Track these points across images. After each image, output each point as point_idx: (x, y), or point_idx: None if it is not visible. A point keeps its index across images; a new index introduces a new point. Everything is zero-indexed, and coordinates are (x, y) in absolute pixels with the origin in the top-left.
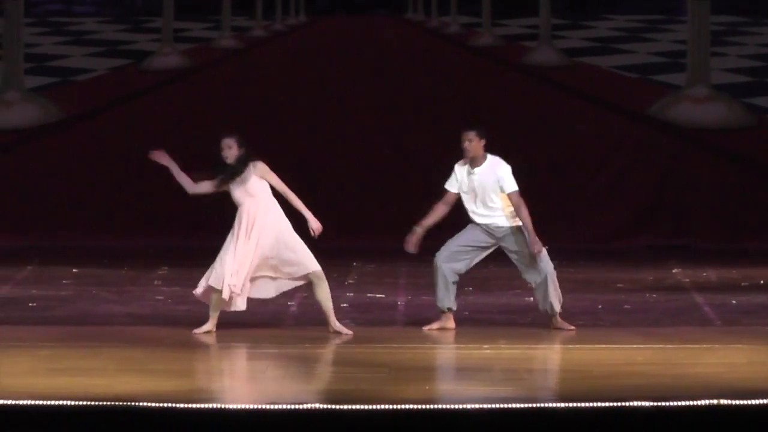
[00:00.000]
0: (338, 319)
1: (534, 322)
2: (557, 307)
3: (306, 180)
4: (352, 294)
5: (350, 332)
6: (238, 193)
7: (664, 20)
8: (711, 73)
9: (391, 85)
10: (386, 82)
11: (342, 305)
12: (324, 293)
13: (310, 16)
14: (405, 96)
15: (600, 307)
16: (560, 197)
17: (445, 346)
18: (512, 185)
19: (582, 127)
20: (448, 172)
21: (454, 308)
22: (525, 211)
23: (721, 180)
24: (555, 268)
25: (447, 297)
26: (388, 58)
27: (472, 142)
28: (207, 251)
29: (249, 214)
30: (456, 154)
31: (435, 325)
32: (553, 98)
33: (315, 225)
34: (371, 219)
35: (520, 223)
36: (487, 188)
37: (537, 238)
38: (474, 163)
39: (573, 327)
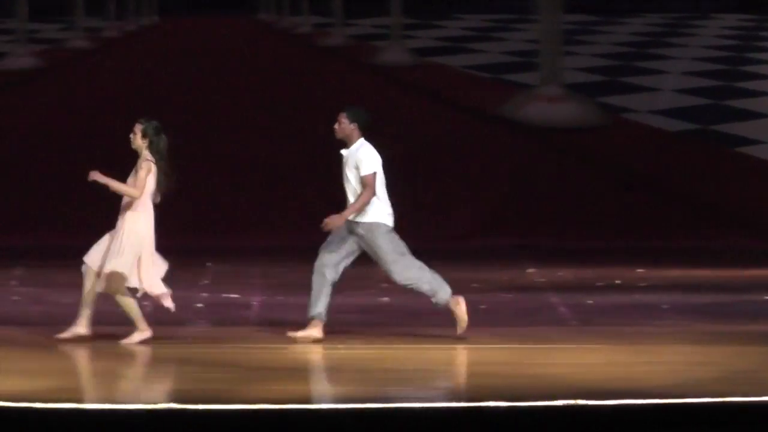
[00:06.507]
0: (192, 319)
1: (389, 322)
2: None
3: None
4: (206, 294)
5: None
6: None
7: (516, 19)
8: (563, 72)
9: (242, 85)
10: (237, 82)
11: (196, 305)
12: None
13: (163, 16)
14: (255, 96)
15: None
16: (413, 197)
17: (298, 346)
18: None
19: (434, 127)
20: (302, 170)
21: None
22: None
23: (575, 179)
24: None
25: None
26: (239, 58)
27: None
28: (64, 250)
29: None
30: (303, 155)
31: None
32: (404, 98)
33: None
34: (227, 219)
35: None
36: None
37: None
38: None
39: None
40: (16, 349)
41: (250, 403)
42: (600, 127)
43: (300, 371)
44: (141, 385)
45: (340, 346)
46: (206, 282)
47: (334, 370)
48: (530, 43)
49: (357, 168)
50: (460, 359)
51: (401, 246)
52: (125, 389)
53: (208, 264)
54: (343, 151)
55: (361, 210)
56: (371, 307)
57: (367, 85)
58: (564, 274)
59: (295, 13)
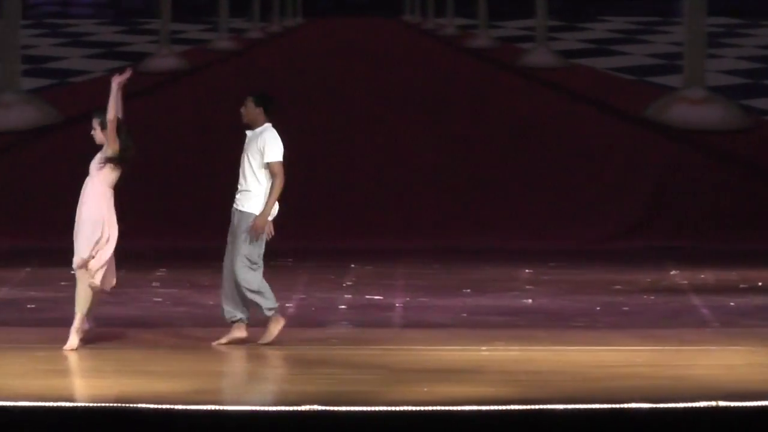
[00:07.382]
0: (335, 321)
1: (532, 323)
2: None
3: (305, 180)
4: (349, 296)
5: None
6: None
7: (660, 22)
8: (707, 74)
9: (388, 86)
10: (383, 83)
11: (340, 307)
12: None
13: (307, 17)
14: (402, 97)
15: (598, 308)
16: (558, 198)
17: (441, 347)
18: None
19: (578, 129)
20: (446, 171)
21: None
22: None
23: (718, 181)
24: (554, 269)
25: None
26: (384, 59)
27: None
28: (205, 252)
29: None
30: (446, 157)
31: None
32: (549, 100)
33: None
34: (370, 220)
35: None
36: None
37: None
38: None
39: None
40: (159, 351)
41: (393, 405)
42: (743, 130)
43: (442, 373)
44: (284, 386)
45: (482, 347)
46: (349, 283)
47: (476, 372)
48: (674, 45)
49: (260, 152)
50: (602, 361)
51: (261, 247)
52: (268, 391)
53: (352, 265)
54: (248, 132)
55: (275, 201)
56: (513, 309)
57: (513, 87)
58: (706, 276)
59: (439, 15)
